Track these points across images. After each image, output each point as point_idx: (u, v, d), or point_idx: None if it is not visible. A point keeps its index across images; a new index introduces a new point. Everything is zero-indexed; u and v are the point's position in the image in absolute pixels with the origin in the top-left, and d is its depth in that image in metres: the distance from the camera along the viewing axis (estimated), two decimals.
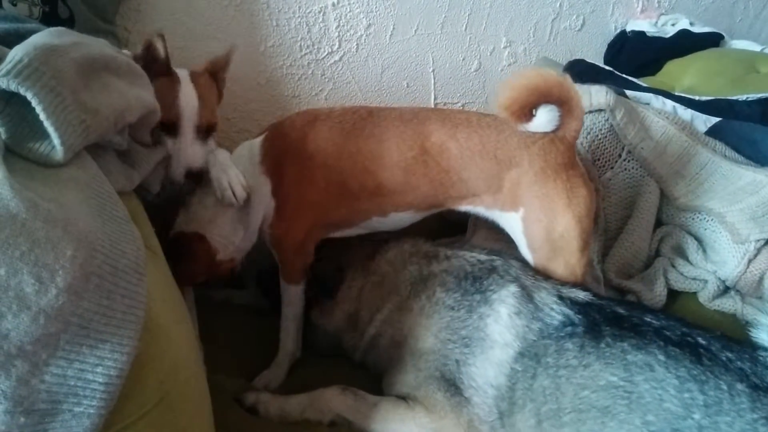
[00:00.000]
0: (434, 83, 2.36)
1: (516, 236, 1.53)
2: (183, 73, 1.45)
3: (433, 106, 2.39)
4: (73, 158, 0.90)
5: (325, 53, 2.10)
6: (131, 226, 0.89)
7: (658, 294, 1.83)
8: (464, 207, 1.55)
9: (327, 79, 2.14)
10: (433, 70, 2.33)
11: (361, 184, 1.49)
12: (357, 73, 2.19)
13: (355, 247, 1.64)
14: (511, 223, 1.52)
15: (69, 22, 1.52)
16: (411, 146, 1.47)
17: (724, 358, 1.16)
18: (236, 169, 1.46)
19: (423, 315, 1.41)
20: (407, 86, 2.31)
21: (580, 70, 2.31)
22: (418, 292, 1.45)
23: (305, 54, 2.07)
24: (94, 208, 0.84)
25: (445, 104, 2.41)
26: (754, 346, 1.20)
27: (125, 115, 1.08)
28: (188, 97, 1.42)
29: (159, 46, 1.37)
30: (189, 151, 1.43)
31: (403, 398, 1.34)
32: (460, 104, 2.44)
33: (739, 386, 1.11)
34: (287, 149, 1.52)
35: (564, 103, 1.38)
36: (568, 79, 1.36)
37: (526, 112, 1.38)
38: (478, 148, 1.46)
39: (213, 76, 1.54)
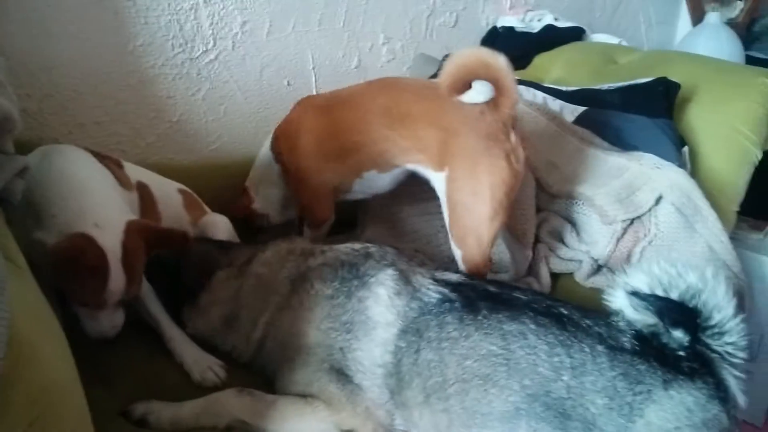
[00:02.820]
0: (315, 81, 2.36)
1: (440, 194, 1.67)
2: (115, 248, 1.27)
3: None
4: None
5: (200, 52, 2.05)
6: None
7: (545, 284, 1.93)
8: (410, 166, 1.75)
9: (203, 79, 2.09)
10: (314, 68, 2.34)
11: (342, 148, 1.79)
12: (235, 72, 2.15)
13: (234, 250, 1.61)
14: (438, 182, 1.66)
15: None
16: (374, 112, 1.74)
17: (584, 325, 1.25)
18: (195, 348, 1.47)
19: (304, 309, 1.40)
20: (288, 84, 2.30)
21: None
22: (297, 289, 1.44)
23: (178, 53, 2.00)
24: None
25: None
26: (608, 313, 1.30)
27: None
28: (116, 283, 1.26)
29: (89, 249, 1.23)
30: (104, 322, 1.31)
31: (301, 396, 1.32)
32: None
33: (599, 348, 1.20)
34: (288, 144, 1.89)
35: (494, 81, 1.48)
36: (499, 59, 1.44)
37: (459, 87, 1.50)
38: (422, 114, 1.65)
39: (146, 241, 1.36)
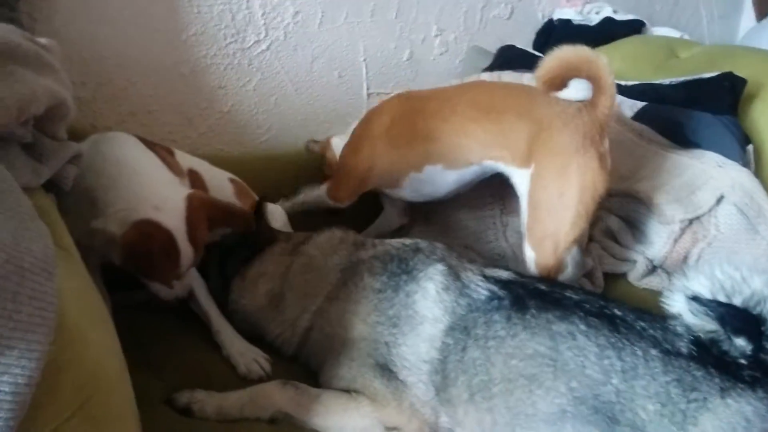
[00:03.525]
0: (366, 73, 2.34)
1: (521, 192, 1.61)
2: (179, 226, 1.31)
3: (365, 96, 2.37)
4: None
5: (252, 42, 2.05)
6: (38, 222, 0.83)
7: (598, 284, 1.87)
8: (489, 162, 1.67)
9: (255, 69, 2.10)
10: (365, 60, 2.32)
11: (414, 133, 1.73)
12: (286, 62, 2.15)
13: (295, 234, 1.62)
14: (521, 179, 1.60)
15: None
16: (459, 102, 1.69)
17: (638, 327, 1.20)
18: (241, 340, 1.48)
19: (351, 302, 1.39)
20: (339, 76, 2.29)
21: (511, 57, 2.33)
22: (347, 280, 1.44)
23: (230, 43, 2.02)
24: None
25: (378, 94, 2.40)
26: (664, 317, 1.24)
27: (30, 106, 1.01)
28: (186, 258, 1.34)
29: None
30: (178, 289, 1.40)
31: (346, 391, 1.31)
32: (393, 93, 2.42)
33: (653, 352, 1.15)
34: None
35: (593, 80, 1.46)
36: (601, 57, 1.43)
37: (558, 83, 1.48)
38: (512, 107, 1.60)
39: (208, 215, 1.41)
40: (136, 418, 0.98)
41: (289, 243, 1.57)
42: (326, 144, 1.99)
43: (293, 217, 1.90)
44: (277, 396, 1.29)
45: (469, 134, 1.65)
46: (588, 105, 1.51)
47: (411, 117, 1.75)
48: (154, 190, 1.35)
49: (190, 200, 1.35)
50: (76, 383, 0.76)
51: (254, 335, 1.51)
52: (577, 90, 1.52)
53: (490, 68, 2.34)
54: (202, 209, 1.37)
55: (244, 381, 1.38)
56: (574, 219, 1.51)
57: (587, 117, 1.50)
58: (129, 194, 1.31)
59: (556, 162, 1.51)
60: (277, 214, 1.81)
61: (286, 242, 1.57)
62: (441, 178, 1.77)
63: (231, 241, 1.58)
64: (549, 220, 1.54)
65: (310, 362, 1.46)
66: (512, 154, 1.60)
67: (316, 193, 1.93)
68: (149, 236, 1.26)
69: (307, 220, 1.92)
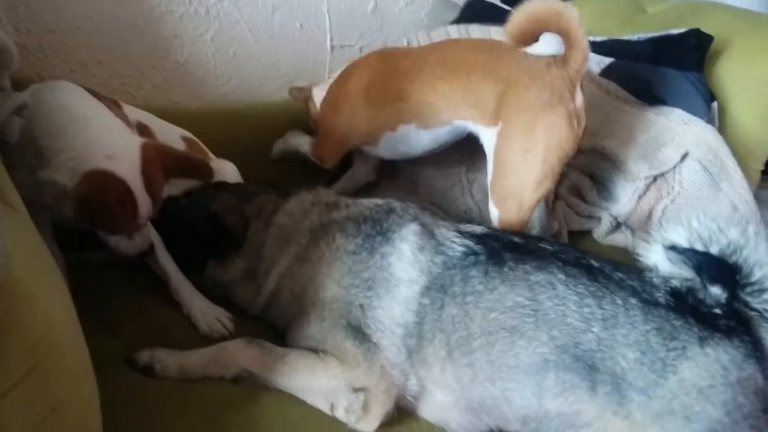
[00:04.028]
0: (329, 24, 2.27)
1: (488, 150, 1.58)
2: (134, 176, 1.25)
3: (329, 48, 2.29)
4: None
5: None
6: None
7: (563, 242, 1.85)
8: (459, 122, 1.64)
9: (212, 18, 2.00)
10: (328, 10, 2.25)
11: (387, 93, 1.71)
12: (245, 11, 2.06)
13: (261, 199, 1.54)
14: (488, 137, 1.57)
15: None
16: (428, 62, 1.67)
17: (616, 278, 1.21)
18: (202, 299, 1.43)
19: (324, 263, 1.35)
20: (301, 27, 2.21)
21: (479, 10, 2.28)
22: (317, 240, 1.40)
23: None
24: None
25: (341, 47, 2.34)
26: (640, 269, 1.26)
27: None
28: (144, 208, 1.27)
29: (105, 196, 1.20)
30: (139, 241, 1.33)
31: (313, 350, 1.28)
32: (357, 47, 2.37)
33: (633, 301, 1.16)
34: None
35: (564, 34, 1.42)
36: (570, 10, 1.38)
37: (527, 37, 1.43)
38: (478, 64, 1.57)
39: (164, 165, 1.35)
40: (92, 380, 0.94)
41: (261, 220, 1.50)
42: (309, 92, 1.94)
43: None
44: (241, 355, 1.25)
45: (438, 93, 1.63)
46: (559, 60, 1.47)
47: (386, 76, 1.73)
48: (105, 138, 1.26)
49: (145, 149, 1.28)
50: (24, 346, 0.71)
51: (220, 297, 1.47)
52: (549, 44, 1.48)
53: (457, 21, 2.29)
54: (158, 158, 1.31)
55: (207, 340, 1.34)
56: (538, 178, 1.49)
57: (557, 72, 1.47)
58: (78, 142, 1.22)
59: (522, 120, 1.49)
60: (229, 171, 1.74)
61: (257, 220, 1.50)
62: (415, 138, 1.75)
63: (208, 232, 1.50)
64: (513, 179, 1.52)
65: (277, 322, 1.43)
66: (480, 112, 1.57)
67: (300, 143, 1.91)
68: (103, 187, 1.18)
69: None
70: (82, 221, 1.23)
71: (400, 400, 1.24)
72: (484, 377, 1.20)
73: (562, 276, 1.20)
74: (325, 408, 1.21)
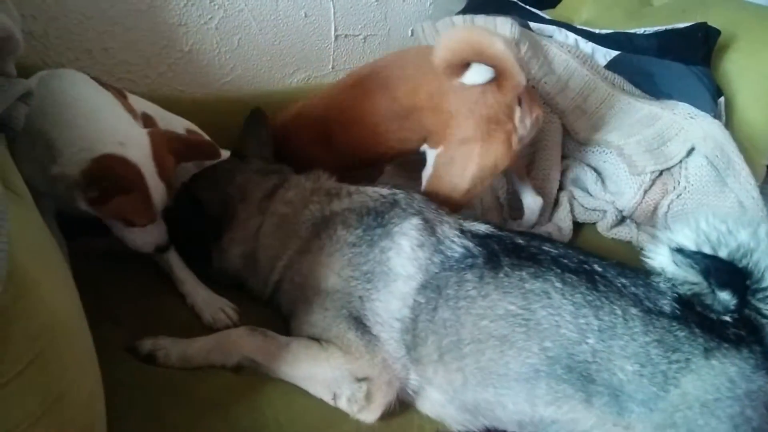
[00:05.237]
0: (334, 13, 2.25)
1: (428, 162, 1.62)
2: (146, 162, 1.24)
3: (333, 38, 2.28)
4: None
5: None
6: None
7: (566, 233, 1.87)
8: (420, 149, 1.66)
9: (217, 6, 1.98)
10: None
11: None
12: (250, 0, 2.03)
13: (254, 181, 1.52)
14: (431, 156, 1.61)
15: None
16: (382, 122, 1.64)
17: (618, 284, 1.18)
18: (206, 289, 1.42)
19: (324, 254, 1.35)
20: (305, 15, 2.19)
21: (484, 1, 2.27)
22: (319, 232, 1.39)
23: None
24: None
25: (345, 36, 2.31)
26: (647, 272, 1.23)
27: None
28: (158, 194, 1.26)
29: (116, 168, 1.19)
30: (156, 233, 1.33)
31: (316, 340, 1.28)
32: (361, 36, 2.35)
33: (633, 311, 1.14)
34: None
35: (493, 65, 1.42)
36: (496, 43, 1.37)
37: (456, 70, 1.45)
38: (426, 102, 1.56)
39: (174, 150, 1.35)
40: (95, 368, 0.94)
41: (248, 202, 1.49)
42: None
43: None
44: (244, 342, 1.25)
45: (402, 141, 1.66)
46: (494, 86, 1.47)
47: (339, 152, 1.70)
48: (116, 126, 1.26)
49: (153, 136, 1.28)
50: (28, 334, 0.71)
51: (232, 286, 1.47)
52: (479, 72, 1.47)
53: (464, 11, 2.28)
54: (166, 144, 1.30)
55: (210, 331, 1.33)
56: (468, 189, 1.56)
57: (492, 100, 1.48)
58: (90, 132, 1.21)
59: (461, 149, 1.54)
60: None
61: (243, 202, 1.49)
62: None
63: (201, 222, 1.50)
64: (445, 186, 1.57)
65: (281, 309, 1.43)
66: (430, 139, 1.61)
67: None
68: (113, 170, 1.18)
69: None
70: (97, 211, 1.23)
71: (401, 393, 1.24)
72: (476, 382, 1.19)
73: (559, 284, 1.18)
74: (327, 398, 1.21)
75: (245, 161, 1.57)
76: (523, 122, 1.53)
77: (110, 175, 1.18)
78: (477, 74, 1.45)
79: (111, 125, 1.26)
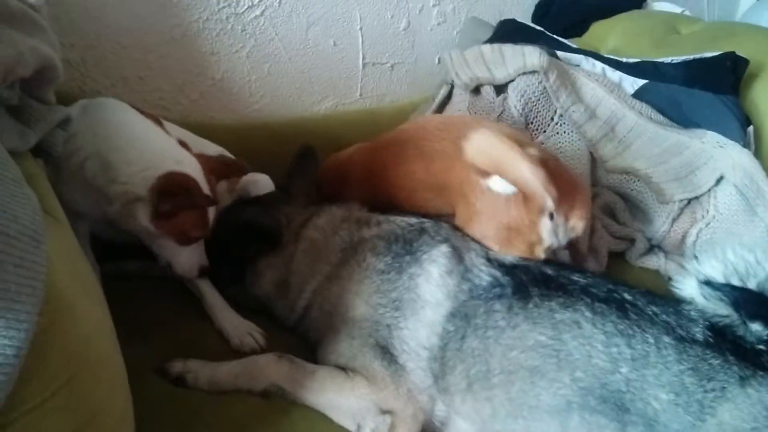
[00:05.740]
0: (362, 42, 2.28)
1: None
2: (202, 180, 1.32)
3: (361, 66, 2.31)
4: None
5: (245, 7, 1.98)
6: (25, 188, 0.79)
7: (602, 261, 1.81)
8: None
9: (248, 36, 2.03)
10: (361, 28, 2.26)
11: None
12: (280, 29, 2.09)
13: (297, 211, 1.55)
14: None
15: None
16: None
17: (650, 312, 1.17)
18: (234, 314, 1.44)
19: (353, 282, 1.36)
20: (334, 44, 2.23)
21: (511, 30, 2.29)
22: (348, 259, 1.40)
23: (223, 7, 1.94)
24: None
25: (373, 64, 2.34)
26: (677, 300, 1.22)
27: (16, 68, 0.97)
28: (212, 211, 1.35)
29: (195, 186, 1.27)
30: (199, 255, 1.38)
31: (342, 368, 1.28)
32: (389, 64, 2.38)
33: (666, 339, 1.12)
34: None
35: (518, 186, 1.35)
36: (521, 167, 1.30)
37: (483, 173, 1.39)
38: (454, 181, 1.51)
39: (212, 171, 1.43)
40: (126, 390, 0.96)
41: (290, 229, 1.51)
42: None
43: None
44: (271, 369, 1.26)
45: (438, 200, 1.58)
46: (519, 199, 1.39)
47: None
48: (169, 148, 1.33)
49: (197, 158, 1.35)
50: (64, 355, 0.73)
51: (259, 311, 1.49)
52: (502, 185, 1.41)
53: (491, 40, 2.30)
54: (206, 164, 1.37)
55: (238, 354, 1.35)
56: None
57: (516, 212, 1.39)
58: (148, 153, 1.28)
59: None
60: (262, 183, 1.76)
61: (287, 228, 1.51)
62: None
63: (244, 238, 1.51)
64: None
65: (308, 337, 1.43)
66: (457, 220, 1.53)
67: None
68: (183, 185, 1.25)
69: None
70: (159, 226, 1.27)
71: (427, 425, 1.23)
72: (505, 413, 1.18)
73: (589, 314, 1.17)
74: (351, 428, 1.20)
75: (291, 196, 1.61)
76: (555, 234, 1.43)
77: (182, 189, 1.24)
78: (501, 185, 1.39)
79: (165, 146, 1.33)
